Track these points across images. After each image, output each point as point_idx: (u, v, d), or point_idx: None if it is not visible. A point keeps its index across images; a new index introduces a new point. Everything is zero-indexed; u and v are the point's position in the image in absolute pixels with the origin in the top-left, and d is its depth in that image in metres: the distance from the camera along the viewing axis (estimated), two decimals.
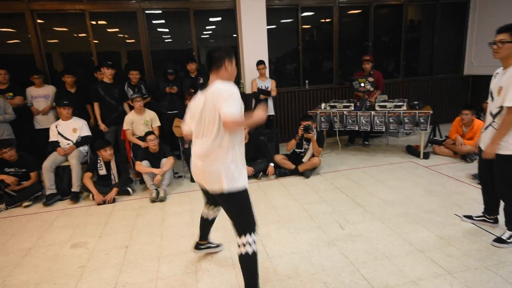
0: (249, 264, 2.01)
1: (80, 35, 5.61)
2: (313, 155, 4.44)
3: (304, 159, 4.50)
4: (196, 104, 2.04)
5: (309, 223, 3.16)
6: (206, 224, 2.57)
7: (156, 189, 4.01)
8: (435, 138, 5.30)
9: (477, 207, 3.10)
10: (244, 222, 2.02)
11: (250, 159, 4.55)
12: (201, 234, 2.63)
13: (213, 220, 2.56)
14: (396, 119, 4.77)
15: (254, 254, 1.99)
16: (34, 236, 3.22)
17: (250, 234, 2.00)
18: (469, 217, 3.00)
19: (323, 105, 5.31)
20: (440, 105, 7.00)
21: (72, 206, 3.94)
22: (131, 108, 4.63)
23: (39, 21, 5.24)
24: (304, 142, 4.51)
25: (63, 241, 3.10)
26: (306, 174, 4.39)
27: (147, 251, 2.85)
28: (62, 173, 4.21)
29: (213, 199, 2.28)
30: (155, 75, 5.82)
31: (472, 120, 4.57)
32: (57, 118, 4.69)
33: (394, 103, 4.83)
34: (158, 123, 4.67)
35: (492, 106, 2.55)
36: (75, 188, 4.08)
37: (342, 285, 2.24)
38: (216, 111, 1.86)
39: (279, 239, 2.88)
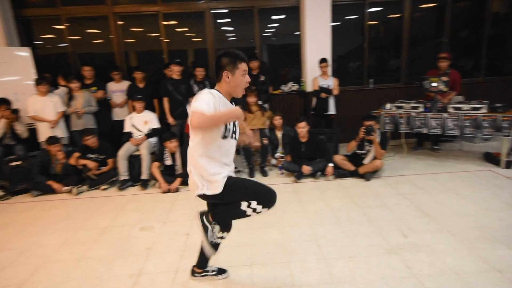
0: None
1: (153, 34, 6.05)
2: (375, 158, 4.24)
3: (365, 161, 4.32)
4: None
5: (368, 228, 3.03)
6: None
7: None
8: None
9: None
10: (257, 198, 1.97)
11: (308, 157, 4.50)
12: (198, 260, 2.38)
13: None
14: (473, 122, 4.33)
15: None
16: (109, 217, 3.58)
17: (257, 203, 1.96)
18: None
19: (388, 105, 5.03)
20: None
21: (142, 192, 4.29)
22: None
23: (119, 22, 5.77)
24: (366, 143, 4.33)
25: (133, 224, 3.40)
26: (366, 176, 4.21)
27: None
28: (134, 161, 4.61)
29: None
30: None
31: None
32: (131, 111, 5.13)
33: (472, 105, 4.39)
34: None
35: None
36: (144, 175, 4.44)
37: None
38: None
39: (335, 241, 2.82)
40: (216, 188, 1.93)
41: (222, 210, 2.07)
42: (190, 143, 1.97)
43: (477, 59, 6.21)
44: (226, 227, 2.19)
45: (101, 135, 4.96)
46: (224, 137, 1.92)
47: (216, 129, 1.86)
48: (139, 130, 4.69)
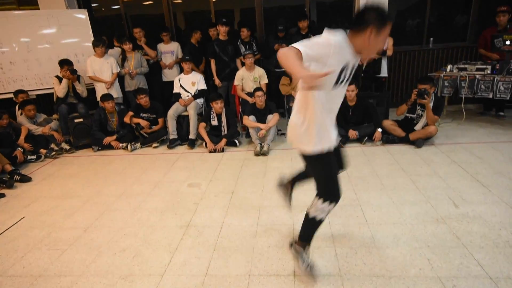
0: (309, 224, 1.99)
1: None
2: (427, 123, 3.97)
3: (417, 127, 4.07)
4: None
5: (416, 195, 2.92)
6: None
7: (260, 144, 4.23)
8: None
9: None
10: (322, 187, 1.90)
11: (355, 122, 4.35)
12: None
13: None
14: None
15: (319, 221, 1.93)
16: (161, 173, 3.83)
17: (324, 201, 1.87)
18: None
19: (449, 67, 4.60)
20: None
21: (189, 151, 4.50)
22: (243, 64, 4.84)
23: None
24: (418, 108, 4.05)
25: (182, 180, 3.61)
26: (418, 143, 3.99)
27: (249, 199, 3.10)
28: (182, 121, 4.80)
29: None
30: (265, 32, 5.88)
31: None
32: (180, 71, 5.26)
33: None
34: (266, 80, 4.80)
35: None
36: (191, 135, 4.63)
37: (449, 266, 2.06)
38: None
39: (380, 207, 2.77)
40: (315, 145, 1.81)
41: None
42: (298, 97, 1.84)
43: None
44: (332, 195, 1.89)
45: (152, 96, 5.19)
46: (337, 84, 1.70)
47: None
48: (187, 91, 4.82)
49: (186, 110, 4.78)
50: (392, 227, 2.50)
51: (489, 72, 4.23)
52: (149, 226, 2.76)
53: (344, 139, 4.25)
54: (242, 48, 5.15)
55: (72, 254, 2.46)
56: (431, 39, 5.55)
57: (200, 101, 4.92)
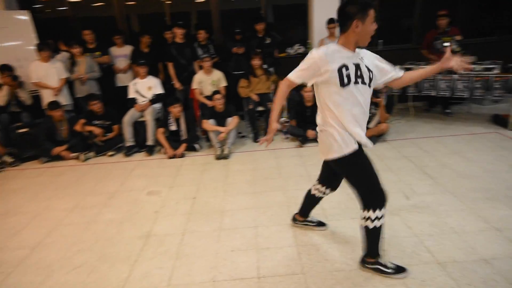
0: (369, 236, 1.96)
1: None
2: (380, 121, 4.19)
3: (370, 125, 4.27)
4: None
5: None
6: (310, 201, 2.42)
7: (221, 147, 4.21)
8: None
9: None
10: (365, 194, 1.89)
11: (313, 122, 4.45)
12: (301, 209, 2.51)
13: (318, 199, 2.38)
14: (484, 84, 4.20)
15: (375, 228, 1.89)
16: (117, 182, 3.66)
17: (373, 209, 1.85)
18: None
19: (397, 67, 4.88)
20: None
21: (148, 158, 4.35)
22: (201, 67, 4.78)
23: None
24: (371, 107, 4.24)
25: (141, 188, 3.48)
26: (371, 140, 4.15)
27: (212, 204, 3.07)
28: (139, 127, 4.63)
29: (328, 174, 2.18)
30: (223, 35, 5.87)
31: None
32: (135, 76, 5.07)
33: (484, 66, 4.24)
34: (225, 83, 4.79)
35: None
36: (149, 141, 4.48)
37: (402, 254, 2.18)
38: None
39: (339, 203, 2.87)
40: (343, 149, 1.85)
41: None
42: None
43: (494, 17, 5.88)
44: (377, 200, 1.87)
45: (105, 102, 4.95)
46: (344, 85, 1.77)
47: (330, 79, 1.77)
48: (143, 96, 4.67)
49: (142, 116, 4.62)
50: (351, 222, 2.59)
51: None
52: (106, 239, 2.63)
53: (303, 139, 4.35)
54: (200, 51, 5.09)
55: (19, 276, 2.27)
56: (380, 41, 5.87)
57: (158, 106, 4.78)
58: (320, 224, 2.55)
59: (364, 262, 2.07)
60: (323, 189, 2.28)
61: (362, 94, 1.83)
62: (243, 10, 6.31)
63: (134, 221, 2.86)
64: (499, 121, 4.49)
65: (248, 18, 5.91)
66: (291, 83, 1.90)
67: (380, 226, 1.90)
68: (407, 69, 4.72)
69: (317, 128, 2.00)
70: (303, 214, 2.52)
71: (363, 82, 1.81)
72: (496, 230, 2.36)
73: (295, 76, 1.87)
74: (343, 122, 1.83)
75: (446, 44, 4.48)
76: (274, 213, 2.81)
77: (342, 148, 1.84)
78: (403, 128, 4.70)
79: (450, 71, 4.42)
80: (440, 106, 5.33)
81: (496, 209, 2.60)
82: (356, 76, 1.78)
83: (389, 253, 2.20)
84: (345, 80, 1.76)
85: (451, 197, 2.84)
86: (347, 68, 1.76)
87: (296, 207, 2.87)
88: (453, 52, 4.47)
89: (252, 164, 3.91)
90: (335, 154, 1.87)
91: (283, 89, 1.93)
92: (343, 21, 1.75)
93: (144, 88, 4.68)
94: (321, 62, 1.75)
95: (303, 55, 5.81)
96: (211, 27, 5.72)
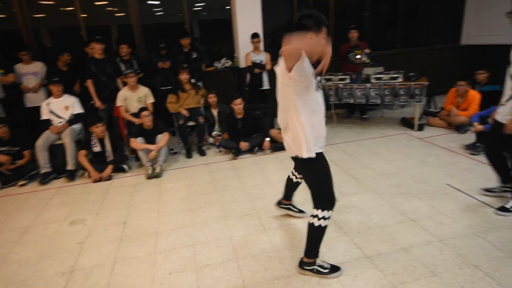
0: (312, 234, 2.06)
1: (67, 9, 5.41)
2: None
3: None
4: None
5: (304, 195, 3.17)
6: (289, 185, 2.64)
7: (152, 166, 4.02)
8: (429, 109, 5.30)
9: (469, 176, 3.16)
10: (318, 195, 2.01)
11: (245, 134, 4.54)
12: (284, 193, 2.72)
13: (296, 184, 2.60)
14: (391, 91, 4.73)
15: (320, 227, 2.00)
16: (32, 215, 3.24)
17: (322, 209, 1.99)
18: (490, 189, 2.92)
19: (318, 78, 5.24)
20: (436, 76, 6.93)
21: (68, 184, 3.95)
22: (125, 84, 4.54)
23: None
24: None
25: (61, 219, 3.13)
26: None
27: (145, 226, 2.89)
28: (57, 151, 4.19)
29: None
30: (147, 50, 5.69)
31: (467, 91, 4.56)
32: (49, 95, 4.60)
33: (390, 75, 4.78)
34: (152, 99, 4.61)
35: None
36: (70, 166, 4.07)
37: (336, 254, 2.31)
38: (285, 73, 1.79)
39: (275, 212, 2.92)
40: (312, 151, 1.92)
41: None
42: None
43: (395, 32, 6.72)
44: (327, 202, 2.01)
45: (12, 125, 4.38)
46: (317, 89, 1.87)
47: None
48: (60, 117, 4.25)
49: (60, 138, 4.20)
50: (287, 229, 2.67)
51: (348, 81, 5.00)
52: (19, 282, 2.29)
53: (236, 151, 4.39)
54: (122, 67, 4.85)
55: None
56: None
57: (77, 126, 4.39)
58: (301, 211, 2.79)
59: (302, 264, 2.14)
60: (297, 174, 2.57)
61: (321, 98, 1.97)
62: (167, 24, 6.21)
63: (54, 256, 2.55)
64: (407, 123, 5.09)
65: (173, 32, 5.84)
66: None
67: (325, 227, 2.02)
68: (327, 79, 5.13)
69: (281, 130, 2.08)
70: (287, 197, 2.73)
71: (318, 90, 1.94)
72: (412, 220, 2.64)
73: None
74: (314, 124, 1.91)
75: (358, 56, 4.96)
76: (211, 229, 2.76)
77: (310, 149, 1.91)
78: (329, 134, 4.97)
79: (365, 81, 4.91)
80: (358, 112, 5.85)
81: (409, 202, 2.92)
82: (317, 82, 1.91)
83: (325, 254, 2.30)
84: (316, 84, 1.87)
85: (373, 195, 3.10)
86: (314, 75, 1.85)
87: (233, 220, 2.87)
88: (364, 63, 5.00)
89: (186, 180, 3.80)
90: (302, 154, 1.93)
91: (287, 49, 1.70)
92: (298, 32, 1.80)
93: (60, 108, 4.27)
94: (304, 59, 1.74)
95: (230, 69, 5.96)
96: (133, 42, 5.50)
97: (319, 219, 1.99)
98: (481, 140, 3.82)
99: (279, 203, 2.80)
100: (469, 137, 4.27)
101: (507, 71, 2.50)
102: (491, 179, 2.96)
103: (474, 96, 4.54)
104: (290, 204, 2.78)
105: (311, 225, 2.03)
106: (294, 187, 2.65)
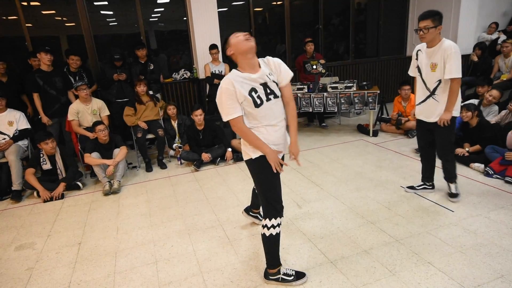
0: (266, 244, 2.07)
1: (9, 17, 5.06)
2: None
3: None
4: None
5: None
6: (255, 194, 2.63)
7: (109, 181, 3.83)
8: (382, 116, 5.62)
9: (419, 177, 3.36)
10: (263, 204, 2.03)
11: (207, 145, 4.50)
12: (252, 202, 2.74)
13: None
14: (347, 99, 4.96)
15: (271, 236, 2.01)
16: None
17: (269, 218, 2.00)
18: (412, 187, 3.27)
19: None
20: (386, 85, 7.40)
21: (14, 206, 3.63)
22: (77, 97, 4.30)
23: None
24: None
25: (6, 244, 2.86)
26: None
27: (102, 246, 2.73)
28: (0, 171, 3.85)
29: None
30: (100, 62, 5.46)
31: (409, 95, 4.94)
32: None
33: (345, 84, 5.01)
34: (107, 112, 4.42)
35: (428, 81, 2.78)
36: (15, 186, 3.75)
37: (301, 261, 2.33)
38: None
39: (239, 222, 2.91)
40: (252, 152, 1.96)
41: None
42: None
43: (347, 44, 7.09)
44: (273, 210, 2.01)
45: None
46: (258, 105, 1.87)
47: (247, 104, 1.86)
48: (3, 133, 3.92)
49: (4, 157, 3.86)
50: (252, 239, 2.66)
51: (306, 91, 5.16)
52: None
53: (198, 162, 4.32)
54: (73, 79, 4.60)
55: None
56: None
57: (24, 143, 4.08)
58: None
59: (267, 275, 2.13)
60: None
61: (278, 107, 1.96)
62: (121, 35, 6.02)
63: None
64: (362, 130, 5.34)
65: (128, 43, 5.67)
66: (239, 120, 1.87)
67: (276, 235, 2.01)
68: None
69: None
70: (256, 206, 2.74)
71: (276, 96, 1.93)
72: (371, 223, 2.75)
73: (232, 114, 1.85)
74: (258, 129, 1.94)
75: (314, 66, 5.15)
76: (174, 244, 2.67)
77: (248, 152, 1.96)
78: None
79: (322, 90, 5.10)
80: (317, 120, 6.04)
81: (368, 205, 3.05)
82: (267, 94, 1.89)
83: (289, 261, 2.32)
84: (258, 101, 1.86)
85: (334, 200, 3.20)
86: (256, 91, 1.86)
87: (197, 233, 2.80)
88: (320, 73, 5.20)
89: (146, 195, 3.66)
90: (244, 156, 2.02)
91: (242, 128, 1.88)
92: (227, 54, 1.92)
93: (4, 123, 3.95)
94: (229, 93, 1.82)
95: (189, 80, 5.90)
96: (84, 53, 5.26)
97: (268, 228, 2.00)
98: None
99: (248, 211, 2.79)
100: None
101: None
102: (438, 179, 3.18)
103: None
104: (259, 213, 2.78)
105: (263, 236, 2.04)
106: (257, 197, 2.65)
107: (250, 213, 2.79)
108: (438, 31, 2.61)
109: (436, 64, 2.67)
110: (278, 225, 2.01)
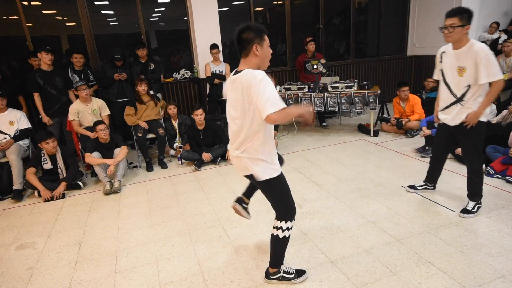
0: (276, 245, 2.04)
1: (10, 17, 5.06)
2: None
3: None
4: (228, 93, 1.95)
5: (268, 204, 3.17)
6: (251, 185, 2.46)
7: (110, 181, 3.83)
8: (383, 116, 5.61)
9: (420, 177, 3.36)
10: (279, 208, 2.02)
11: (207, 145, 4.50)
12: (246, 192, 2.52)
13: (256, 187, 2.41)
14: (347, 99, 4.95)
15: (285, 238, 2.01)
16: None
17: (285, 221, 2.00)
18: (413, 187, 3.25)
19: (277, 87, 5.36)
20: (386, 84, 7.40)
21: (15, 205, 3.64)
22: (77, 97, 4.30)
23: None
24: None
25: (7, 243, 2.87)
26: None
27: (103, 245, 2.73)
28: (1, 170, 3.86)
29: None
30: (101, 61, 5.47)
31: (408, 96, 4.93)
32: None
33: (346, 84, 5.01)
34: (108, 112, 4.42)
35: (453, 86, 2.58)
36: (16, 185, 3.76)
37: (302, 261, 2.33)
38: (245, 101, 1.77)
39: (239, 222, 2.91)
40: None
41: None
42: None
43: (348, 44, 7.08)
44: (289, 214, 2.02)
45: None
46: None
47: None
48: (4, 133, 3.93)
49: (4, 156, 3.87)
50: (252, 239, 2.66)
51: (306, 90, 5.16)
52: None
53: (199, 162, 4.32)
54: (75, 78, 4.61)
55: None
56: None
57: (25, 142, 4.08)
58: (248, 213, 2.55)
59: (268, 275, 2.13)
60: None
61: None
62: (122, 35, 6.02)
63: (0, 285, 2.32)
64: (363, 129, 5.34)
65: (129, 43, 5.67)
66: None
67: (288, 237, 2.03)
68: (287, 89, 5.26)
69: (234, 153, 2.00)
70: (248, 196, 2.52)
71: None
72: (371, 223, 2.75)
73: (282, 103, 1.69)
74: (271, 148, 1.92)
75: (315, 66, 5.15)
76: (175, 243, 2.67)
77: (271, 172, 1.91)
78: (290, 143, 5.14)
79: (322, 90, 5.09)
80: (318, 120, 6.03)
81: (368, 205, 3.04)
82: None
83: (290, 261, 2.32)
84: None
85: (335, 200, 3.20)
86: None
87: (197, 233, 2.81)
88: (321, 73, 5.20)
89: (146, 195, 3.66)
90: (262, 177, 1.91)
91: (283, 112, 1.68)
92: (242, 47, 1.81)
93: (5, 123, 3.95)
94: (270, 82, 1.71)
95: (190, 80, 5.90)
96: (86, 53, 5.27)
97: (283, 230, 1.99)
98: (429, 143, 4.11)
99: (241, 202, 2.52)
100: (419, 141, 4.58)
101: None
102: (439, 179, 3.18)
103: (415, 99, 4.97)
104: (247, 204, 2.60)
105: (276, 237, 2.02)
106: (254, 189, 2.49)
107: (243, 203, 2.53)
108: (466, 30, 2.39)
109: (465, 69, 2.46)
110: (291, 228, 2.04)
